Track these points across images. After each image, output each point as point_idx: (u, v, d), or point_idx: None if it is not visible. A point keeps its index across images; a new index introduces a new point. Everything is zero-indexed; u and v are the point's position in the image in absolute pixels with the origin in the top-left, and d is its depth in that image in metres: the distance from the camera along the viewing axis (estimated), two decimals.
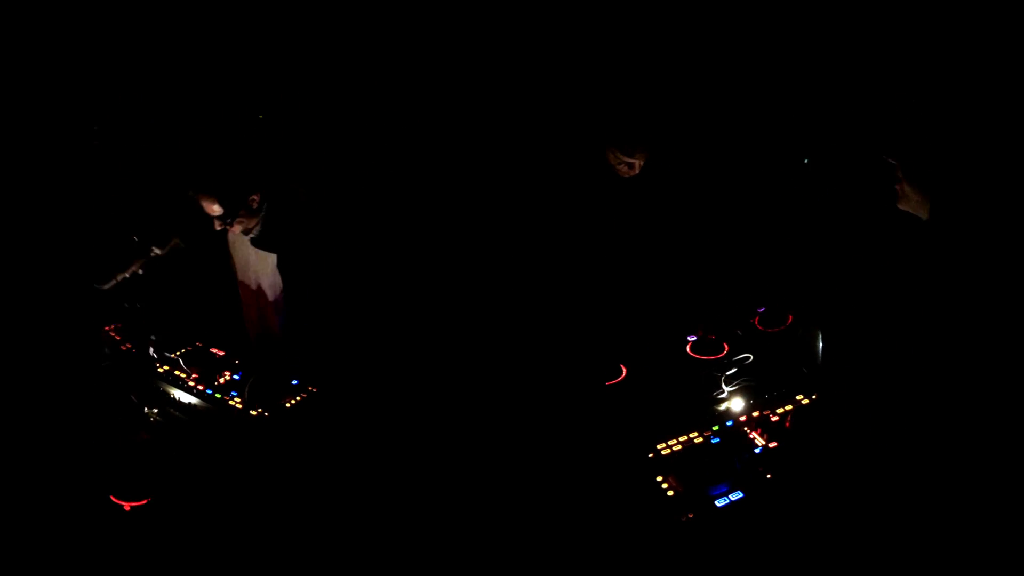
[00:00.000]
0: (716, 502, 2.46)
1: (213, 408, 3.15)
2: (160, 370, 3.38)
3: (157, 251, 3.32)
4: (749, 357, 3.08)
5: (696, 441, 2.72)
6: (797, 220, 3.65)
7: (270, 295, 3.55)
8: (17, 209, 4.03)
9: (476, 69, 4.14)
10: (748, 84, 3.85)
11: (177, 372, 3.35)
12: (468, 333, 3.75)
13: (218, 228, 3.30)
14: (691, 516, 2.44)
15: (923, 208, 2.66)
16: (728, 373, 2.98)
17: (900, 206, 2.71)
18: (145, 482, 2.74)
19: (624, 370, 3.21)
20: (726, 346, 3.28)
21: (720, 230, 3.62)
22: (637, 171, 3.45)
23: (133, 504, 2.67)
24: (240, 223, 3.32)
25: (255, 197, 3.30)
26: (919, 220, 2.68)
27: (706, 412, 2.84)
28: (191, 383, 3.27)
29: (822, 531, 2.41)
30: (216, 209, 3.24)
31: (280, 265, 3.45)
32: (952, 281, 2.59)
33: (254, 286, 3.58)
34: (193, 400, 3.19)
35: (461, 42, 4.11)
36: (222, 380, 3.29)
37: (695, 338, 3.32)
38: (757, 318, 3.43)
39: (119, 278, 3.29)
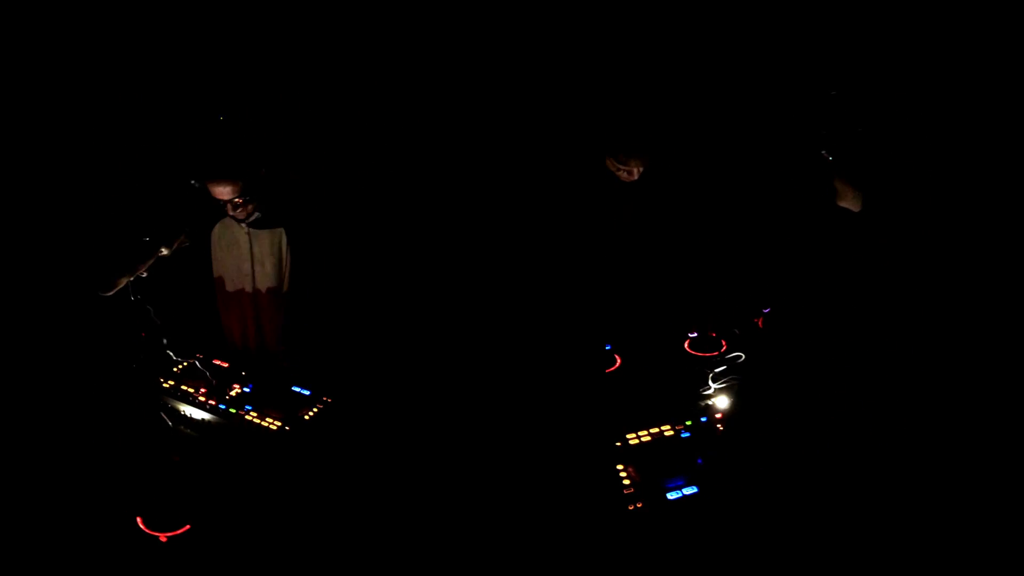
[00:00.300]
0: (668, 495, 2.52)
1: (225, 423, 3.23)
2: (165, 385, 3.43)
3: (165, 251, 3.23)
4: (742, 356, 3.13)
5: (666, 434, 2.80)
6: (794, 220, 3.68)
7: (269, 296, 3.54)
8: (20, 211, 3.93)
9: (475, 72, 4.20)
10: (736, 87, 3.89)
11: (184, 387, 3.39)
12: (465, 325, 3.83)
13: (230, 213, 3.30)
14: (639, 506, 2.50)
15: (857, 202, 2.74)
16: (717, 371, 3.04)
17: (839, 203, 2.79)
18: (180, 510, 2.73)
19: (619, 360, 3.28)
20: (724, 343, 3.33)
21: (724, 230, 3.64)
22: (636, 177, 3.48)
23: (170, 534, 2.68)
24: (250, 204, 3.31)
25: (262, 171, 3.30)
26: (854, 215, 2.77)
27: (685, 407, 2.91)
28: (200, 397, 3.34)
29: (769, 533, 2.45)
30: (230, 192, 3.21)
31: (290, 239, 3.44)
32: (887, 272, 2.67)
33: (250, 288, 3.55)
34: (205, 416, 3.27)
35: (459, 46, 4.17)
36: (233, 393, 3.37)
37: (695, 334, 3.37)
38: (761, 319, 3.44)
39: (122, 282, 3.17)
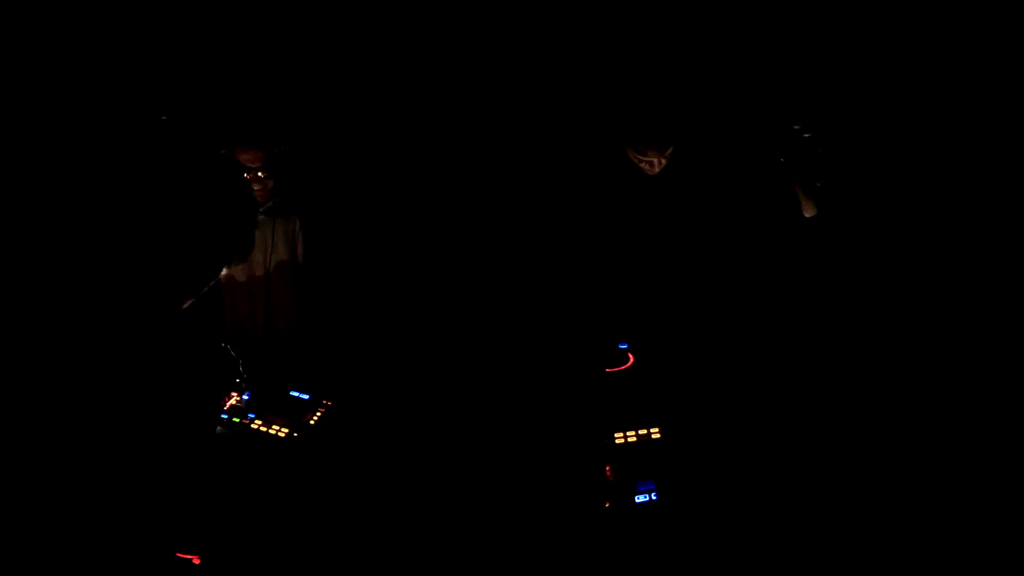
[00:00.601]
0: (636, 498, 2.65)
1: (230, 433, 3.30)
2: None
3: (225, 270, 3.21)
4: None
5: (654, 436, 2.90)
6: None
7: (281, 283, 3.56)
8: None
9: (493, 63, 4.15)
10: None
11: None
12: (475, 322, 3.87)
13: (257, 188, 3.38)
14: (607, 506, 2.66)
15: (812, 208, 3.07)
16: None
17: (805, 213, 3.11)
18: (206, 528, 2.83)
19: (631, 358, 3.35)
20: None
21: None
22: (658, 169, 3.44)
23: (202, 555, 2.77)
24: (270, 181, 3.39)
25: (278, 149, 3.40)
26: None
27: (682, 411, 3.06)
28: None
29: (718, 546, 2.62)
30: (259, 159, 3.32)
31: (304, 229, 3.52)
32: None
33: (262, 273, 3.56)
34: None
35: (477, 36, 4.11)
36: (232, 402, 3.42)
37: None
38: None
39: (188, 303, 3.13)
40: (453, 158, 4.17)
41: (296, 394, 3.47)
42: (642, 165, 3.46)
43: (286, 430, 3.29)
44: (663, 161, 3.44)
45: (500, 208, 4.06)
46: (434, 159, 4.19)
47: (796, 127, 3.14)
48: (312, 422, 3.34)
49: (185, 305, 3.15)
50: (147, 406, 3.27)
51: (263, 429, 3.31)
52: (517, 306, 3.83)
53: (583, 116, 3.95)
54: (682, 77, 3.86)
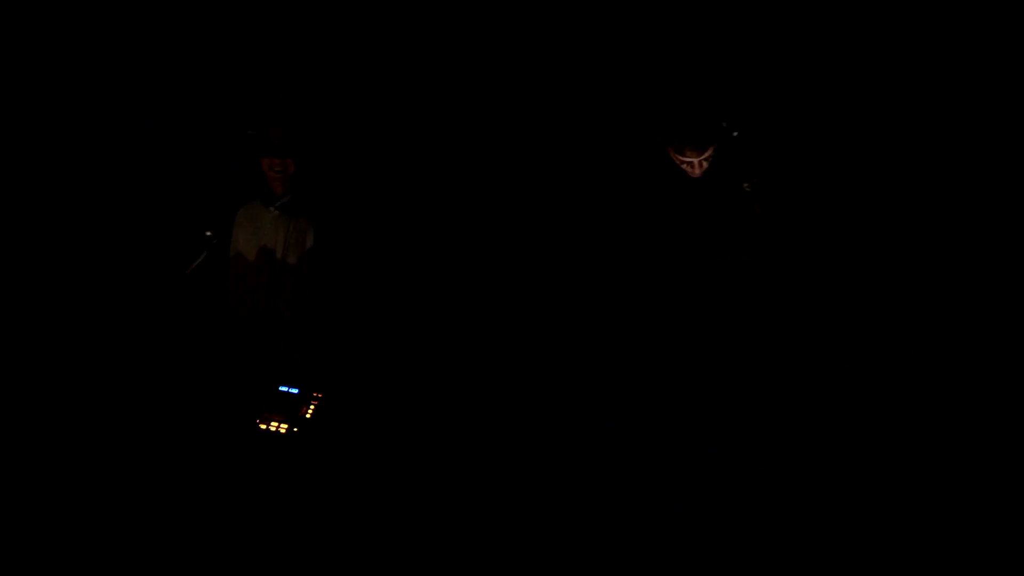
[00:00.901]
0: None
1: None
2: None
3: (215, 240, 3.49)
4: None
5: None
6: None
7: (287, 276, 3.62)
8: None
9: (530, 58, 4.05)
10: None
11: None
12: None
13: (277, 169, 3.51)
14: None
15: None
16: None
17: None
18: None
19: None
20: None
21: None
22: (699, 171, 3.36)
23: None
24: (291, 165, 3.52)
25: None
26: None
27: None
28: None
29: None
30: (283, 137, 3.47)
31: (316, 230, 3.61)
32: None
33: (269, 267, 3.62)
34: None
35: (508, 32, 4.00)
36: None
37: None
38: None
39: (191, 268, 3.42)
40: (490, 159, 4.09)
41: (285, 389, 3.64)
42: (683, 166, 3.36)
43: (285, 426, 3.52)
44: (704, 163, 3.35)
45: (535, 208, 4.00)
46: (469, 159, 4.11)
47: (724, 124, 3.37)
48: (308, 415, 3.59)
49: (188, 271, 3.43)
50: (146, 399, 3.59)
51: (263, 426, 3.53)
52: (539, 306, 3.86)
53: (626, 117, 3.85)
54: (721, 78, 3.75)
